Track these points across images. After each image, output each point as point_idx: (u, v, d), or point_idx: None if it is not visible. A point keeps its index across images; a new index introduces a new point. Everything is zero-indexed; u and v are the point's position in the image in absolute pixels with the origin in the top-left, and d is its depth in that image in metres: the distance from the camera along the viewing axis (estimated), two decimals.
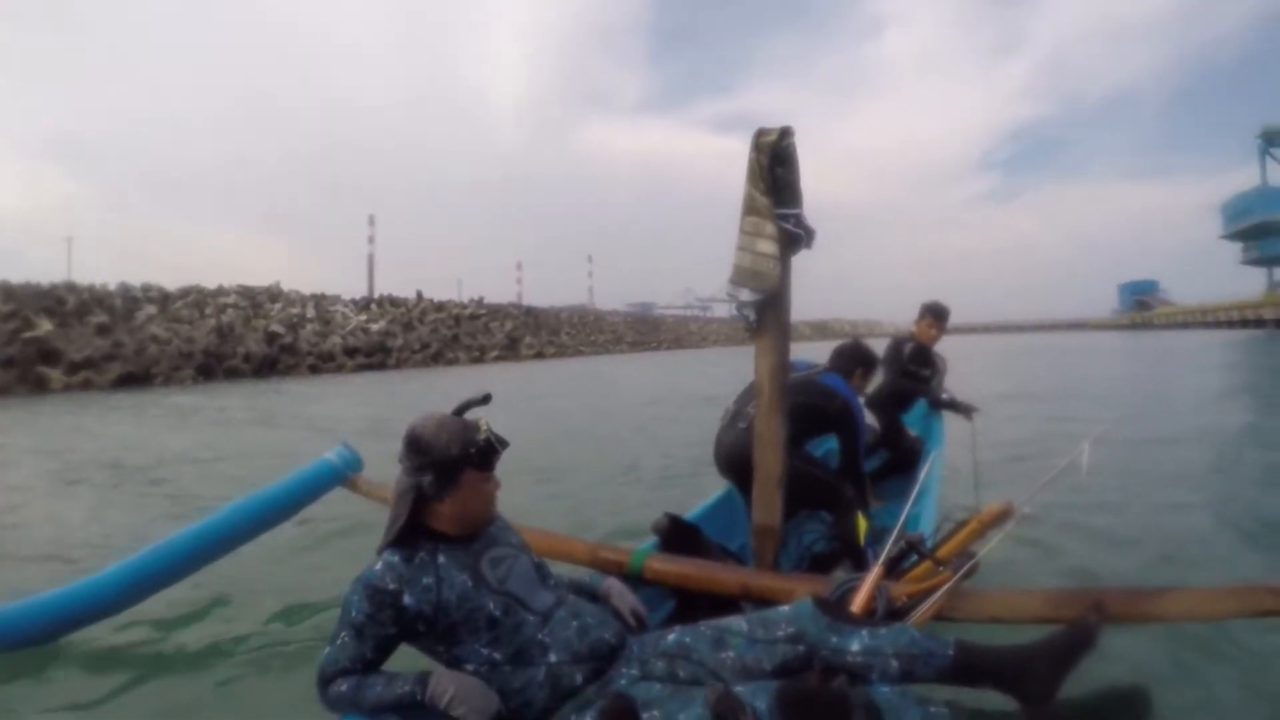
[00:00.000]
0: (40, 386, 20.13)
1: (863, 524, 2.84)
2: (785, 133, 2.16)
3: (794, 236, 2.21)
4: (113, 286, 26.75)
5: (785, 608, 1.79)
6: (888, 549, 2.12)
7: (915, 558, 2.15)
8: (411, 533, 1.78)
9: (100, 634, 3.17)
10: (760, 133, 2.17)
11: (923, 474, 2.81)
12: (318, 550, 4.37)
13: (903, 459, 4.48)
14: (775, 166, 2.15)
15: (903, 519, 2.29)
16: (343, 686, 1.70)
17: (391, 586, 1.70)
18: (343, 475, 3.60)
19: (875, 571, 2.00)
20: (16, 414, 14.44)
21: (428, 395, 16.79)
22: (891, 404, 4.64)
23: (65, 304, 23.74)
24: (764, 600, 2.15)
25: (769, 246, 2.19)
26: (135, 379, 21.92)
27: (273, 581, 3.84)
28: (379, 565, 1.74)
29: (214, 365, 24.71)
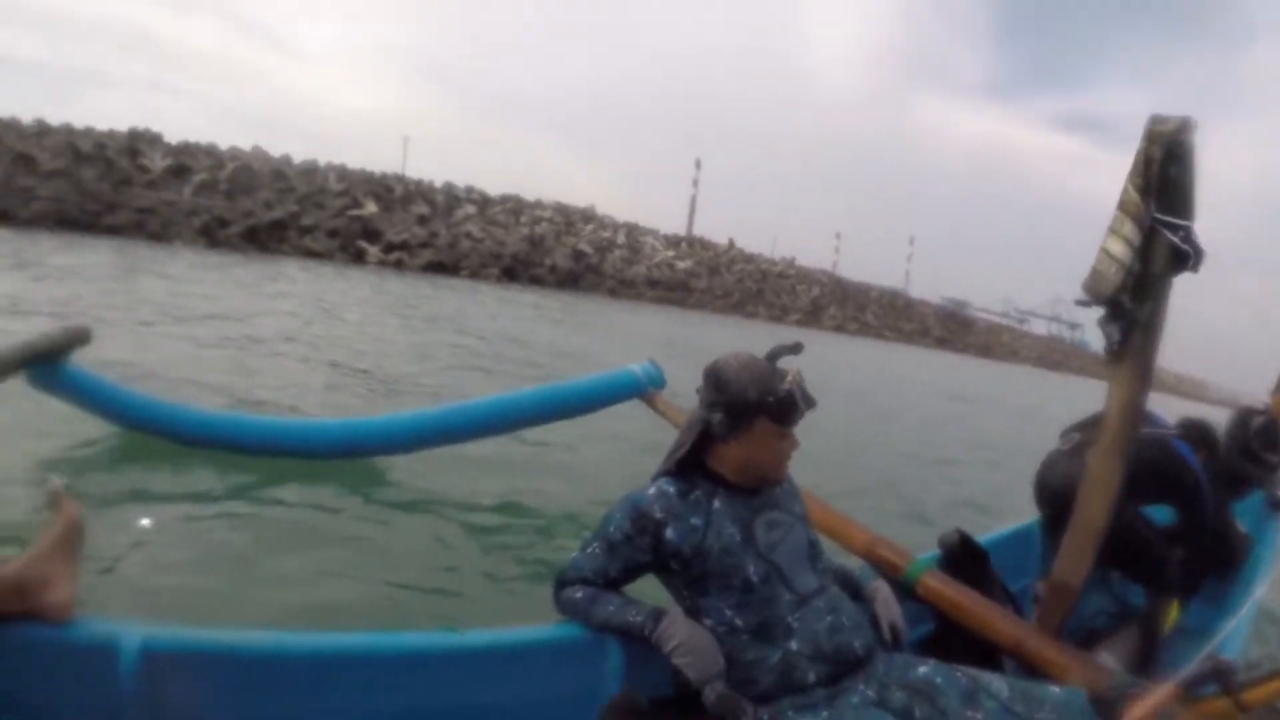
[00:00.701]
0: (357, 258, 21.87)
1: (1174, 613, 2.65)
2: (1186, 125, 1.81)
3: (1179, 254, 1.86)
4: (439, 184, 28.53)
5: (1055, 689, 1.61)
6: (1192, 668, 1.69)
7: (1215, 688, 1.73)
8: (693, 467, 1.72)
9: (388, 467, 3.91)
10: (1155, 120, 1.83)
11: (1257, 589, 2.51)
12: (597, 453, 4.68)
13: (1222, 556, 3.58)
14: (1168, 164, 1.82)
15: (1219, 637, 2.01)
16: (578, 593, 1.70)
17: (658, 515, 1.66)
18: (644, 389, 3.82)
19: (1168, 690, 1.57)
20: (336, 277, 17.31)
21: (729, 340, 16.07)
22: (1223, 487, 3.63)
23: (393, 192, 25.67)
24: (1030, 665, 1.99)
25: (1120, 249, 1.89)
26: (443, 268, 23.26)
27: (546, 474, 4.15)
28: (651, 490, 1.70)
29: (519, 270, 25.62)
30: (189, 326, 7.99)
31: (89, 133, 24.53)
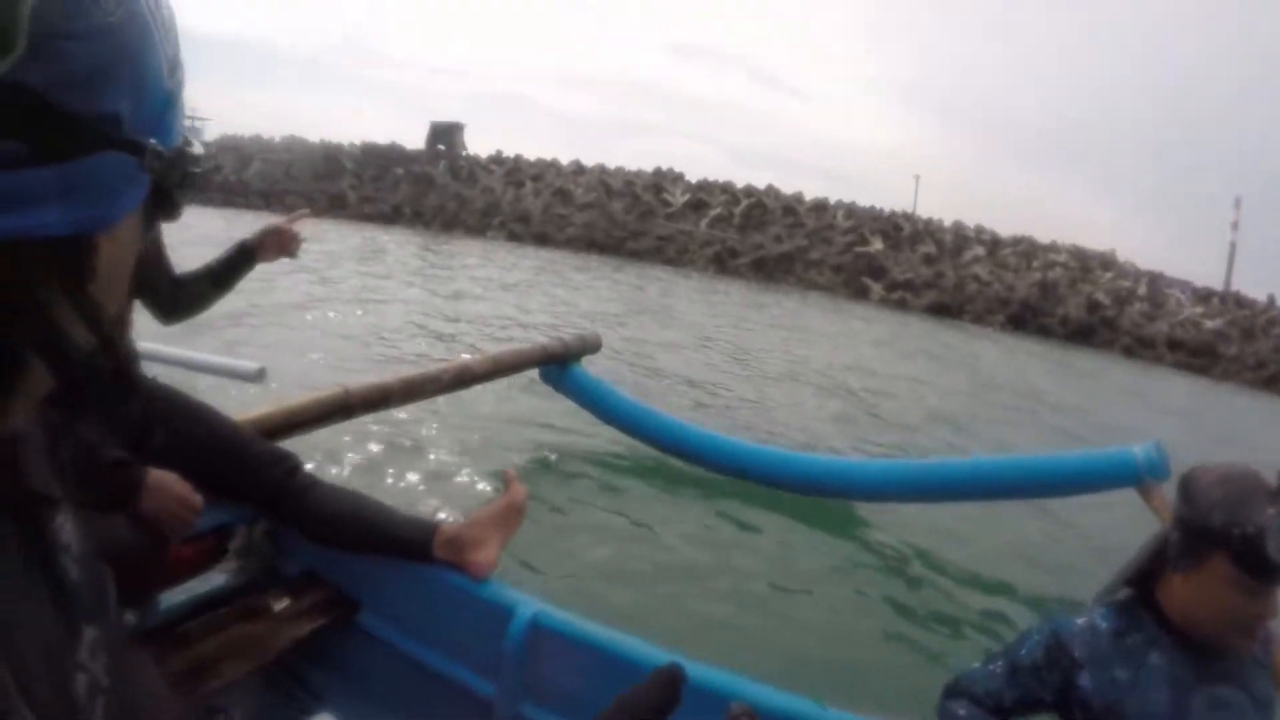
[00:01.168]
0: (860, 294, 21.49)
1: None
2: None
3: None
4: (947, 223, 26.76)
5: None
6: None
7: None
8: (1143, 601, 1.39)
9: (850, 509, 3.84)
10: None
11: None
12: (1075, 544, 3.84)
13: None
14: None
15: None
16: (961, 711, 1.47)
17: (1077, 654, 1.36)
18: (1141, 478, 3.23)
19: None
20: (838, 311, 17.80)
21: (1255, 427, 12.50)
22: None
23: (901, 230, 24.70)
24: None
25: None
26: (946, 310, 21.95)
27: (1000, 552, 3.68)
28: (1081, 621, 1.41)
29: (1027, 318, 23.14)
30: (688, 336, 9.02)
31: (619, 172, 27.65)
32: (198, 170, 0.52)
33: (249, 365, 2.88)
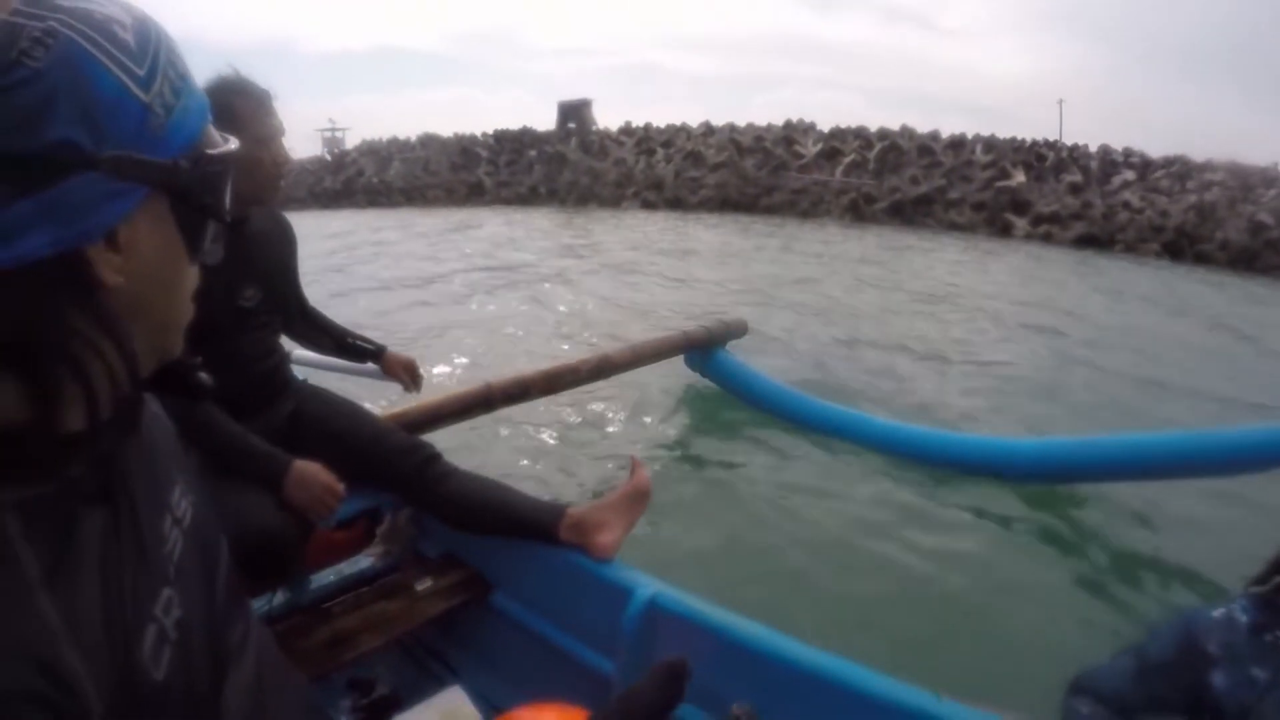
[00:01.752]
0: (1004, 232, 20.81)
1: None
2: None
3: None
4: (1093, 149, 25.66)
5: None
6: None
7: None
8: None
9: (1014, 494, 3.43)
10: None
11: None
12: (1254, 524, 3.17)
13: None
14: None
15: None
16: (1085, 710, 1.36)
17: (1211, 650, 1.21)
18: None
19: None
20: (981, 251, 16.81)
21: None
22: None
23: (1044, 160, 23.79)
24: None
25: None
26: (1095, 241, 20.97)
27: (1155, 528, 3.28)
28: (1217, 614, 1.25)
29: (1183, 245, 21.93)
30: (836, 291, 8.78)
31: (749, 129, 27.77)
32: (216, 170, 0.58)
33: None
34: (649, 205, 25.14)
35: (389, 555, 2.07)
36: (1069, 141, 25.87)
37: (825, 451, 3.86)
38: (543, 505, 1.84)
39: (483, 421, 3.49)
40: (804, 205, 22.77)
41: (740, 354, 4.47)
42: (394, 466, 1.93)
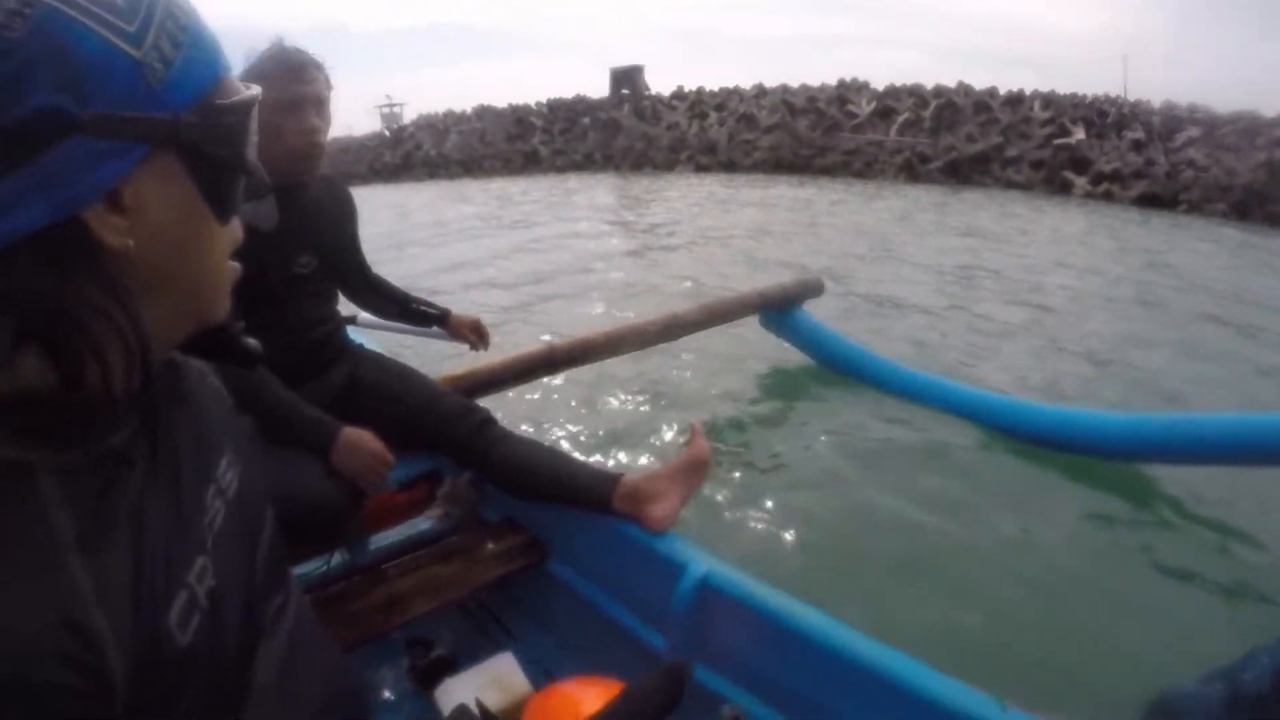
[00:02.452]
0: (1062, 190, 20.65)
1: None
2: None
3: None
4: (1156, 104, 25.15)
5: None
6: None
7: None
8: None
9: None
10: None
11: None
12: None
13: None
14: None
15: None
16: None
17: None
18: None
19: None
20: (1038, 210, 16.48)
21: None
22: None
23: (1105, 116, 23.39)
24: None
25: None
26: (1157, 200, 20.59)
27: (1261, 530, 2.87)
28: None
29: (1253, 204, 21.43)
30: (888, 252, 8.59)
31: (802, 89, 27.75)
32: (229, 120, 0.58)
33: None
34: (702, 169, 25.43)
35: (449, 518, 2.11)
36: (1133, 98, 25.40)
37: (907, 422, 3.62)
38: (597, 473, 1.80)
39: (542, 384, 3.51)
40: (857, 165, 22.81)
41: (817, 314, 4.24)
42: (448, 430, 1.94)
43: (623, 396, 4.13)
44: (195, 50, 0.56)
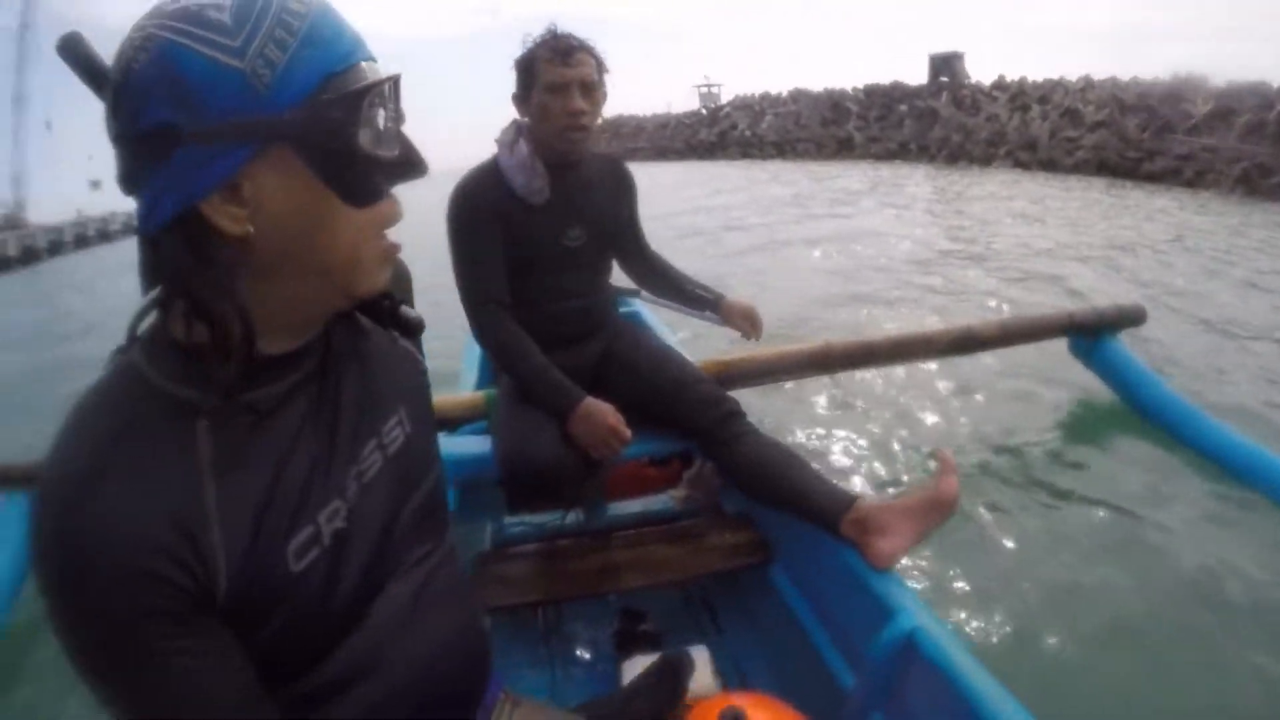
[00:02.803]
0: None
1: None
2: None
3: None
4: None
5: None
6: None
7: None
8: None
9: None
10: None
11: None
12: None
13: None
14: None
15: None
16: None
17: None
18: None
19: None
20: None
21: None
22: None
23: None
24: None
25: None
26: None
27: None
28: None
29: None
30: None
31: (1133, 84, 26.96)
32: (336, 112, 0.63)
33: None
34: (1021, 165, 25.43)
35: (691, 500, 2.14)
36: None
37: (1224, 498, 2.84)
38: (833, 491, 1.68)
39: (803, 381, 3.33)
40: (1188, 174, 21.91)
41: (1137, 348, 3.64)
42: (693, 416, 1.91)
43: (886, 407, 3.85)
44: (306, 49, 0.62)
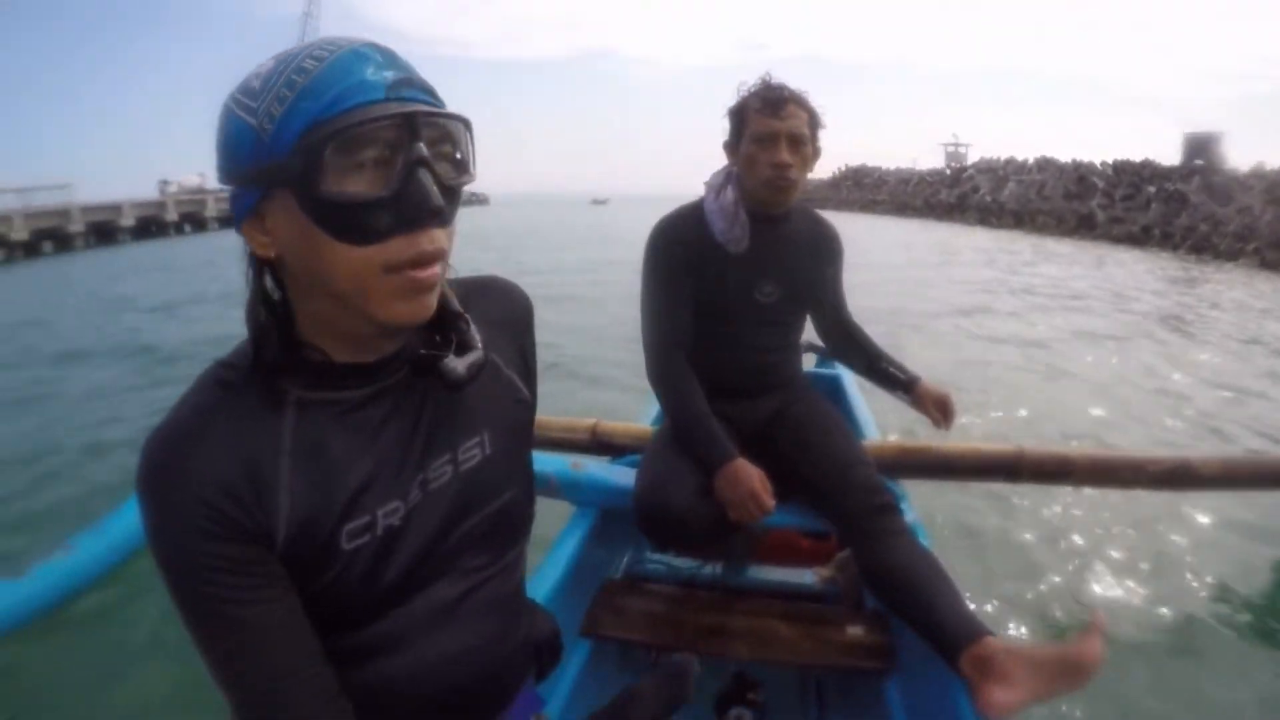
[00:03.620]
0: None
1: None
2: None
3: None
4: None
5: None
6: None
7: None
8: None
9: None
10: None
11: None
12: None
13: None
14: None
15: None
16: None
17: None
18: None
19: None
20: None
21: None
22: None
23: None
24: None
25: None
26: None
27: None
28: None
29: None
30: None
31: None
32: (301, 161, 0.69)
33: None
34: (1269, 265, 23.44)
35: (832, 583, 2.10)
36: None
37: None
38: (965, 618, 1.52)
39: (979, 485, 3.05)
40: None
41: None
42: (844, 499, 1.82)
43: (1059, 531, 3.57)
44: (303, 101, 0.68)
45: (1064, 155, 39.46)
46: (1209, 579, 3.21)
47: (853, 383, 3.09)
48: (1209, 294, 14.87)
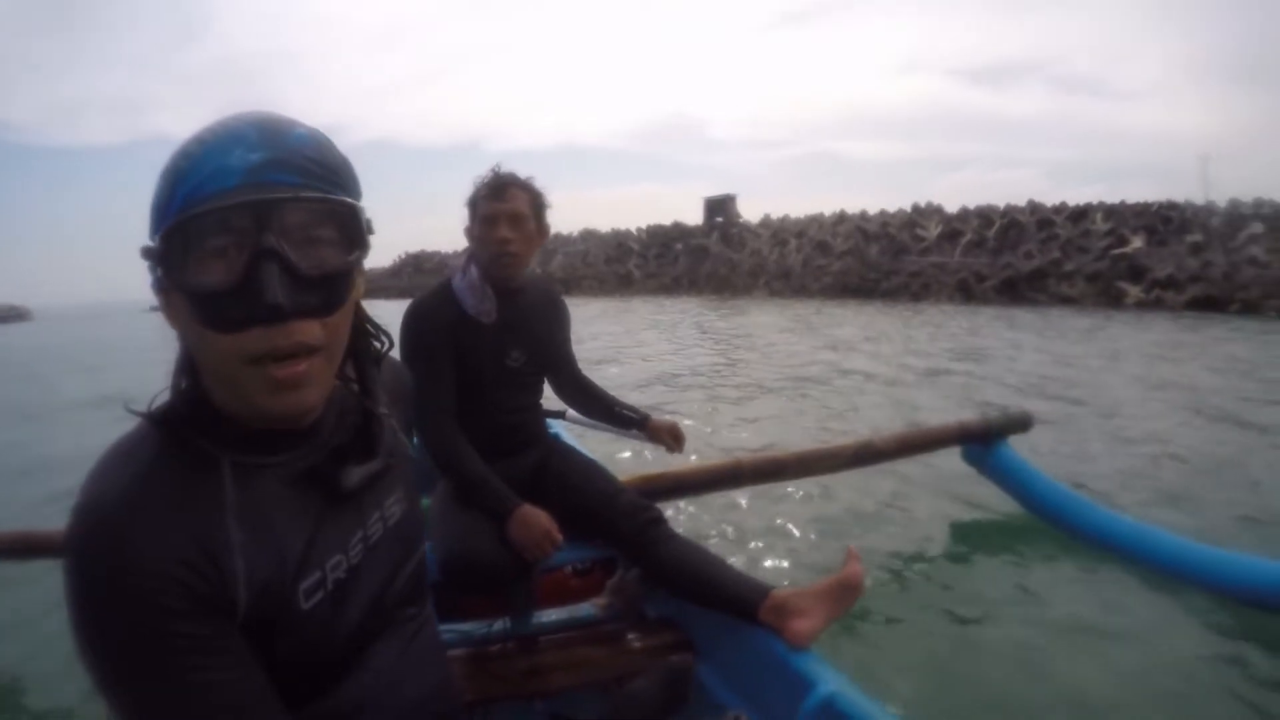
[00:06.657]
0: (1114, 301, 21.37)
1: None
2: None
3: None
4: (1221, 204, 26.24)
5: None
6: None
7: None
8: None
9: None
10: None
11: None
12: None
13: None
14: None
15: None
16: None
17: None
18: None
19: None
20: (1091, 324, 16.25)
21: None
22: None
23: (1169, 222, 24.72)
24: None
25: None
26: (1211, 303, 20.59)
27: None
28: None
29: None
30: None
31: (878, 216, 31.00)
32: (160, 247, 0.73)
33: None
34: (775, 293, 28.23)
35: (612, 608, 2.26)
36: (1221, 199, 26.34)
37: (1119, 583, 3.16)
38: (749, 583, 1.90)
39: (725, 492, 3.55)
40: (915, 288, 24.97)
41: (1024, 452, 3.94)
42: (618, 524, 2.11)
43: (798, 514, 4.13)
44: (179, 187, 0.70)
45: (606, 227, 42.61)
46: (898, 534, 3.89)
47: (573, 440, 3.03)
48: (742, 323, 17.99)
